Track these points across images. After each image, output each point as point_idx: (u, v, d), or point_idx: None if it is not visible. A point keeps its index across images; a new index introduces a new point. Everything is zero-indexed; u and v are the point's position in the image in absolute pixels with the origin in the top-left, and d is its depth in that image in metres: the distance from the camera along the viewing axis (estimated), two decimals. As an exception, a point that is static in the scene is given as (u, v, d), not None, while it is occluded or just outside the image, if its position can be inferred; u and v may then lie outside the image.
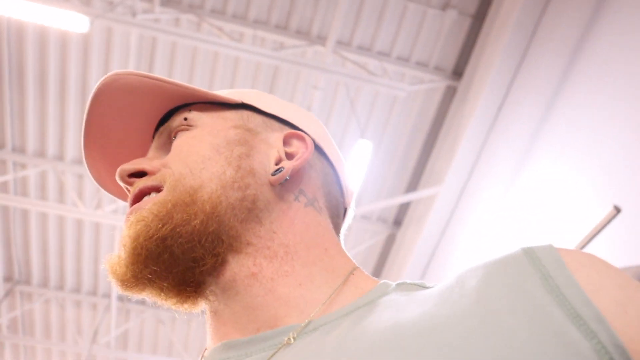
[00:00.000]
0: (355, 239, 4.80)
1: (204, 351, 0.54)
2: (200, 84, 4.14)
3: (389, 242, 4.89)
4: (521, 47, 3.68)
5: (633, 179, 2.52)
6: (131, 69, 3.87)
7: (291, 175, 0.55)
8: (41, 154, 4.45)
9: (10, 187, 4.51)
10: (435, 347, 0.40)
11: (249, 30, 3.94)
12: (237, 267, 0.51)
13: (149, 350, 5.75)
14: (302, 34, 4.01)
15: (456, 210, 4.17)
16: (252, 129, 0.57)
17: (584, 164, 2.87)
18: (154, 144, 0.60)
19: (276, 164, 0.55)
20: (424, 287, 0.51)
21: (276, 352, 0.46)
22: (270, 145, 0.57)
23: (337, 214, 0.60)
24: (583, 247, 1.65)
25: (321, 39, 4.00)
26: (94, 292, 5.35)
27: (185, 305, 0.54)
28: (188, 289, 0.52)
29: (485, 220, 3.71)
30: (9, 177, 4.35)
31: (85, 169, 4.47)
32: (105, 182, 0.65)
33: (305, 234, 0.54)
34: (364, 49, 4.09)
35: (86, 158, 0.63)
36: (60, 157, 4.47)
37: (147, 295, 0.53)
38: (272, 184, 0.54)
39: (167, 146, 0.59)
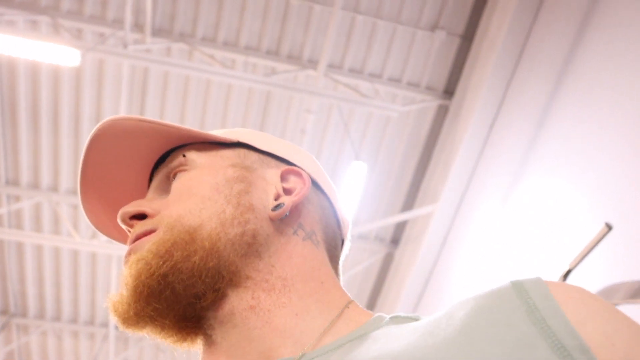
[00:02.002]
0: (354, 258, 4.79)
1: None
2: (194, 112, 4.15)
3: (387, 261, 4.89)
4: (510, 64, 3.72)
5: (627, 191, 2.54)
6: (124, 99, 3.88)
7: (290, 210, 0.56)
8: (35, 185, 4.42)
9: (4, 220, 4.48)
10: None
11: (241, 56, 3.96)
12: (237, 300, 0.52)
13: (149, 378, 5.69)
14: (294, 58, 4.04)
15: (453, 227, 4.18)
16: (249, 166, 0.58)
17: (577, 178, 2.90)
18: (153, 184, 0.61)
19: (275, 199, 0.56)
20: (417, 320, 0.52)
21: None
22: (268, 181, 0.58)
23: (334, 245, 0.61)
24: (577, 264, 1.67)
25: (312, 63, 4.03)
26: (91, 322, 5.29)
27: (185, 344, 0.55)
28: (188, 324, 0.53)
29: (482, 237, 3.72)
30: (3, 210, 4.32)
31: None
32: (104, 225, 0.65)
33: (303, 267, 0.55)
34: (355, 72, 4.12)
35: (83, 202, 0.63)
36: (54, 189, 4.45)
37: (148, 333, 0.54)
38: (272, 219, 0.55)
39: (165, 185, 0.60)
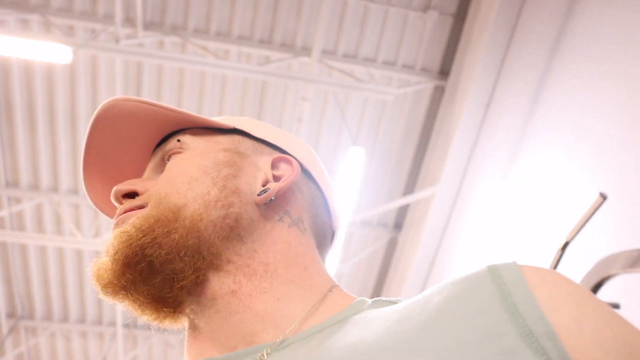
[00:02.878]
0: (357, 245, 4.79)
1: None
2: (189, 105, 4.14)
3: (391, 246, 4.89)
4: (504, 41, 3.71)
5: (625, 160, 2.53)
6: (119, 95, 3.87)
7: (277, 196, 0.57)
8: (35, 186, 4.43)
9: (6, 223, 4.49)
10: None
11: (234, 47, 3.95)
12: (218, 285, 0.52)
13: (159, 375, 5.70)
14: (287, 46, 4.03)
15: (454, 208, 4.18)
16: (241, 152, 0.59)
17: (575, 150, 2.89)
18: (149, 165, 0.63)
19: (263, 185, 0.57)
20: (396, 303, 0.52)
21: None
22: (259, 167, 0.58)
23: (323, 235, 0.61)
24: (574, 236, 1.66)
25: (306, 50, 4.01)
26: (99, 322, 5.31)
27: (165, 322, 0.55)
28: (165, 309, 0.54)
29: (484, 215, 3.72)
30: (4, 212, 4.33)
31: (81, 198, 4.42)
32: (104, 205, 0.66)
33: (286, 253, 0.55)
34: (349, 57, 4.10)
35: (85, 182, 0.65)
36: (54, 189, 4.45)
37: (127, 307, 0.55)
38: (257, 204, 0.56)
39: (161, 167, 0.61)
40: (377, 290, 5.04)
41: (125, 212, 0.56)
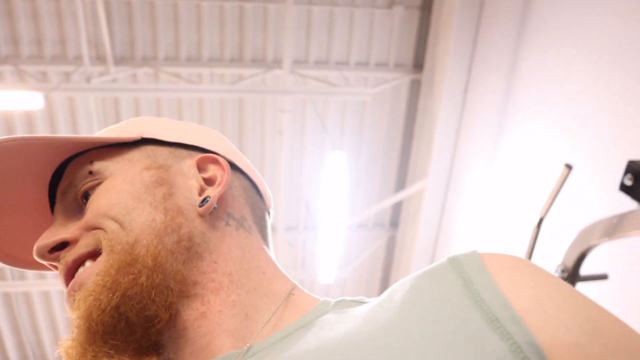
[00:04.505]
0: (357, 248, 4.78)
1: None
2: (171, 132, 4.15)
3: (391, 245, 4.88)
4: (472, 24, 3.71)
5: (604, 125, 2.53)
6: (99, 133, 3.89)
7: (217, 201, 0.55)
8: (31, 234, 4.44)
9: (7, 274, 4.50)
10: None
11: (206, 69, 3.97)
12: (188, 312, 0.51)
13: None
14: (258, 61, 4.04)
15: (447, 197, 4.17)
16: (162, 165, 0.56)
17: (557, 121, 2.90)
18: (59, 207, 0.56)
19: (199, 195, 0.55)
20: (362, 303, 0.52)
21: None
22: (187, 176, 0.56)
23: (264, 225, 0.60)
24: (547, 211, 1.64)
25: (277, 63, 4.03)
26: (113, 359, 5.31)
27: None
28: (146, 357, 0.51)
29: (477, 199, 3.72)
30: (4, 264, 4.34)
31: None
32: (6, 255, 0.60)
33: (243, 259, 0.54)
34: (321, 63, 4.11)
35: None
36: (50, 234, 4.46)
37: None
38: (201, 216, 0.54)
39: (74, 206, 0.56)
40: (384, 290, 5.02)
41: (74, 262, 0.52)
